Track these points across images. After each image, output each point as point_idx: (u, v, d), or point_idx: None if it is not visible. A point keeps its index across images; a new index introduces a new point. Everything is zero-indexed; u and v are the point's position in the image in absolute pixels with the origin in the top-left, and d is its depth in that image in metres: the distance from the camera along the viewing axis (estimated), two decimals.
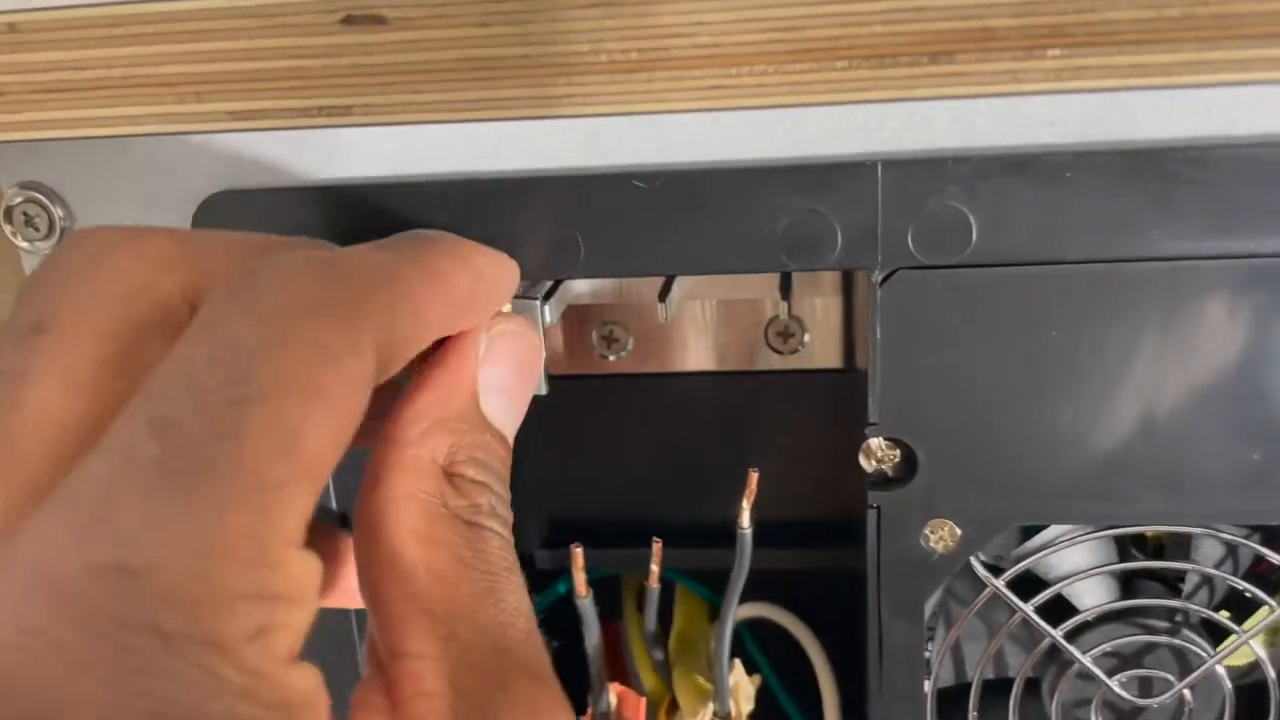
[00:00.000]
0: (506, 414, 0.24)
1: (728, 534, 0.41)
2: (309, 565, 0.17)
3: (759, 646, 0.43)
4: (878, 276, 0.28)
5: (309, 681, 0.16)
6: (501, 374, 0.24)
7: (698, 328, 0.40)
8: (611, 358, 0.40)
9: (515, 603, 0.21)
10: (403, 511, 0.20)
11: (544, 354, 0.27)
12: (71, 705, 0.14)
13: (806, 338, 0.39)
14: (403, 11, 0.23)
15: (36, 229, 0.31)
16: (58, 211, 0.30)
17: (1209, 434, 0.29)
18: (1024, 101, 0.26)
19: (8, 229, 0.31)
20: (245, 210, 0.29)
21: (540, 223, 0.28)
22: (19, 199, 0.30)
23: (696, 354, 0.40)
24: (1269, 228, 0.27)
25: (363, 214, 0.29)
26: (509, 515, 0.23)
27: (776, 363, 0.40)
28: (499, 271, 0.24)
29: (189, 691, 0.14)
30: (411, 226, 0.29)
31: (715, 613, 0.43)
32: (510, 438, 0.24)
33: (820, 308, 0.39)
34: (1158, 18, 0.22)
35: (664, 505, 0.43)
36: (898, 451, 0.30)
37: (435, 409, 0.22)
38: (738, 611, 0.39)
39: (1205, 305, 0.28)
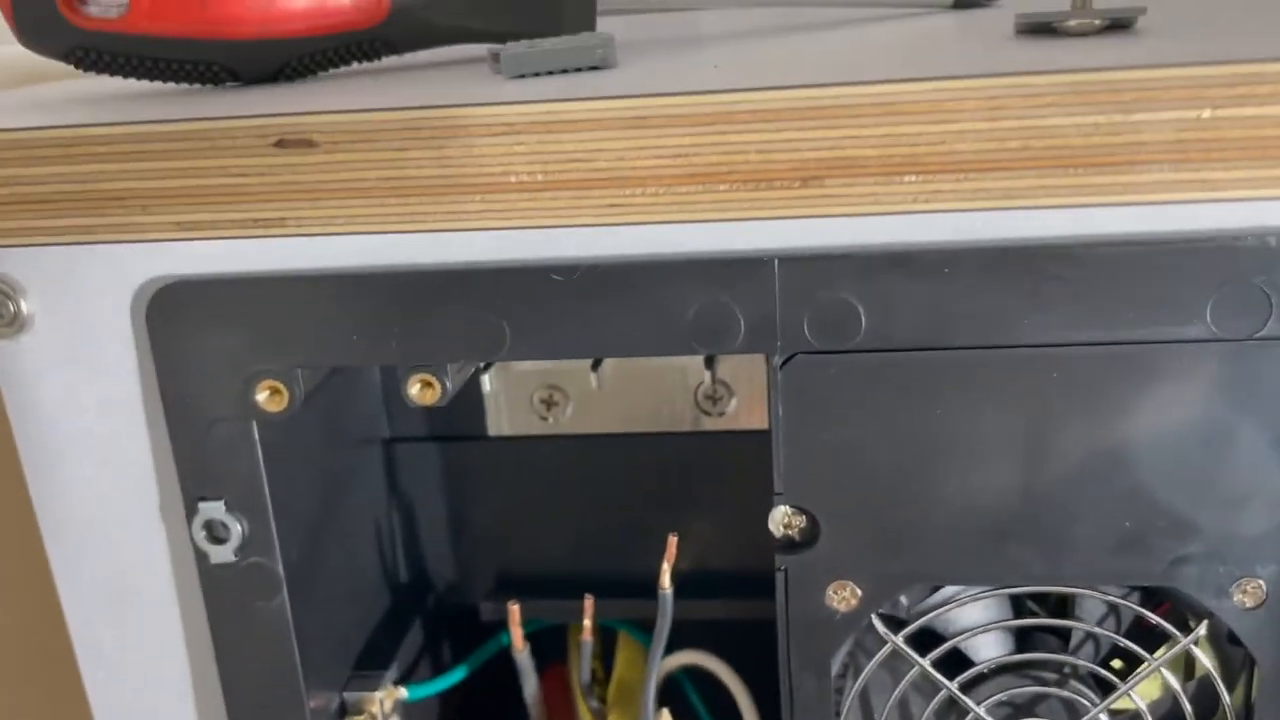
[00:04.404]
0: None
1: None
2: None
3: (698, 692, 0.46)
4: (777, 360, 0.31)
5: None
6: None
7: (632, 391, 0.42)
8: (551, 420, 0.43)
9: None
10: None
11: None
12: None
13: (734, 401, 0.42)
14: (331, 136, 0.26)
15: (2, 316, 0.33)
16: (22, 304, 0.32)
17: (1084, 503, 0.31)
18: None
19: None
20: (198, 299, 0.32)
21: (468, 312, 0.31)
22: None
23: (632, 416, 0.43)
24: (1129, 319, 0.29)
25: (306, 302, 0.31)
26: None
27: (707, 424, 0.42)
28: None
29: None
30: (352, 315, 0.31)
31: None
32: None
33: (748, 371, 0.42)
34: (999, 148, 0.24)
35: (606, 557, 0.45)
36: (803, 518, 0.33)
37: None
38: (674, 659, 0.42)
39: (1073, 388, 0.30)
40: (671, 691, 0.44)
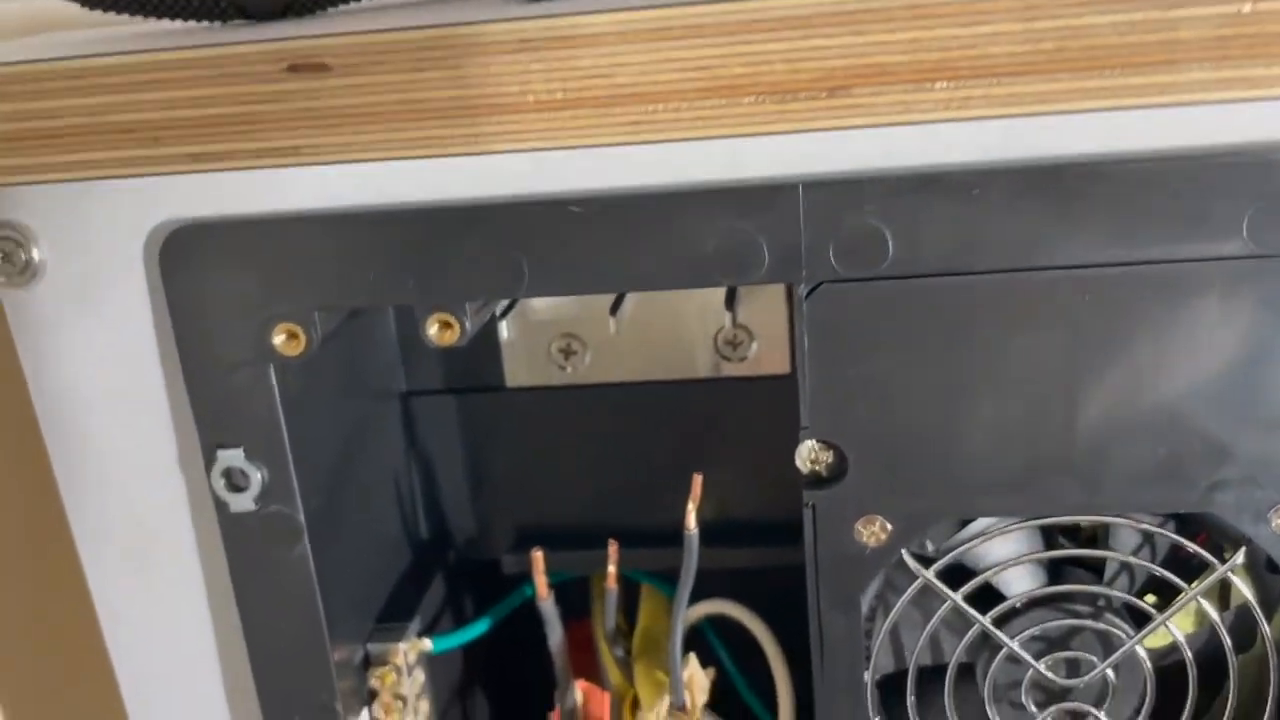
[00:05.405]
0: None
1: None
2: None
3: (721, 640, 0.45)
4: (803, 290, 0.30)
5: None
6: None
7: (651, 338, 0.42)
8: (570, 369, 0.42)
9: None
10: None
11: None
12: None
13: (754, 346, 0.41)
14: (344, 59, 0.25)
15: (13, 264, 0.32)
16: (34, 251, 0.32)
17: (1118, 429, 0.31)
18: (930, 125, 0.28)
19: None
20: (212, 241, 0.31)
21: (485, 248, 0.30)
22: None
23: (651, 363, 0.42)
24: (1162, 236, 0.28)
25: (322, 242, 0.31)
26: None
27: (728, 370, 0.42)
28: None
29: None
30: (369, 254, 0.31)
31: None
32: None
33: (767, 316, 0.41)
34: (1034, 51, 0.23)
35: (627, 508, 0.44)
36: (830, 453, 0.32)
37: None
38: (698, 608, 0.41)
39: (1107, 310, 0.30)
40: (696, 642, 0.44)
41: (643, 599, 0.45)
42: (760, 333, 0.41)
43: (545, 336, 0.42)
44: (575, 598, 0.45)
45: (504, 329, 0.41)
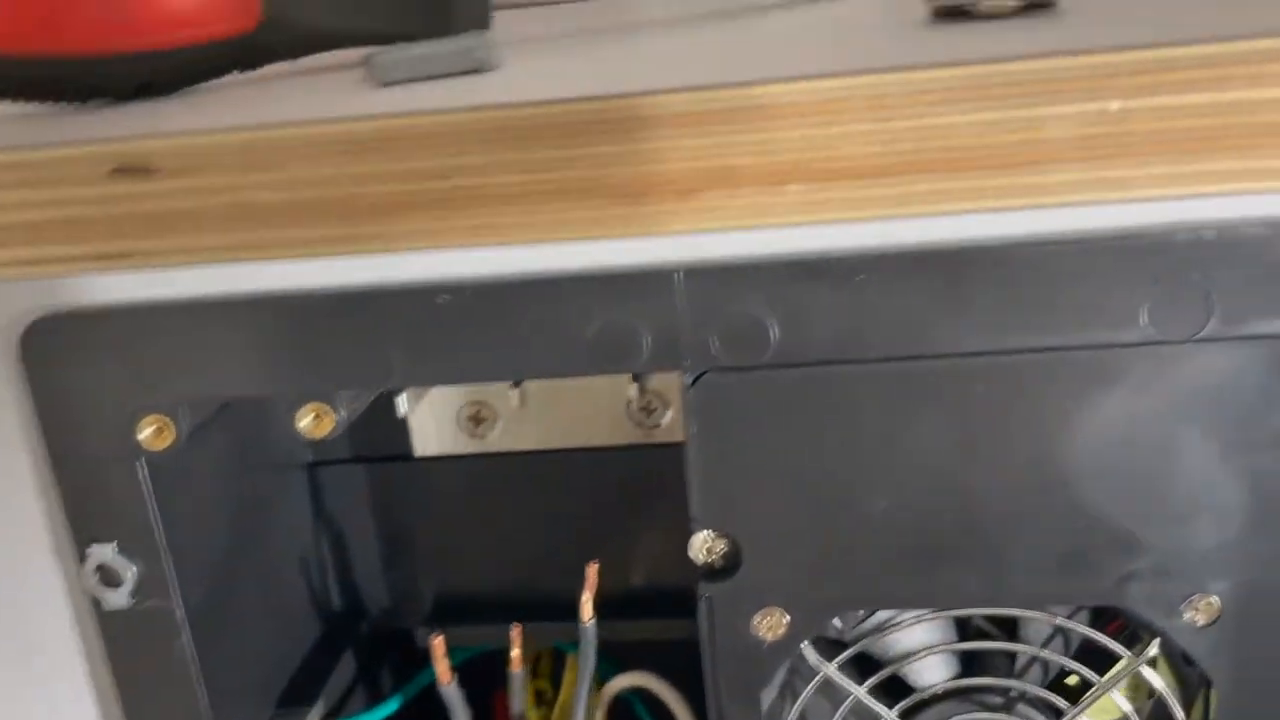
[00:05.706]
0: None
1: (613, 605, 0.41)
2: None
3: (648, 710, 0.44)
4: (687, 378, 0.29)
5: None
6: None
7: (564, 405, 0.40)
8: (481, 437, 0.41)
9: None
10: None
11: None
12: None
13: (668, 413, 0.40)
14: (171, 161, 0.23)
15: None
16: None
17: (1021, 519, 0.29)
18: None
19: None
20: (73, 332, 0.30)
21: (352, 339, 0.29)
22: None
23: (565, 430, 0.41)
24: (1058, 322, 0.27)
25: (184, 332, 0.29)
26: None
27: (642, 436, 0.40)
28: None
29: None
30: (233, 345, 0.30)
31: (601, 681, 0.43)
32: None
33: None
34: (889, 151, 0.22)
35: (545, 577, 0.43)
36: (724, 542, 0.31)
37: None
38: (617, 681, 0.40)
39: (1001, 398, 0.28)
40: (622, 713, 0.42)
41: (567, 668, 0.44)
42: (674, 400, 0.40)
43: (454, 404, 0.41)
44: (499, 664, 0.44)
45: (401, 402, 0.39)
